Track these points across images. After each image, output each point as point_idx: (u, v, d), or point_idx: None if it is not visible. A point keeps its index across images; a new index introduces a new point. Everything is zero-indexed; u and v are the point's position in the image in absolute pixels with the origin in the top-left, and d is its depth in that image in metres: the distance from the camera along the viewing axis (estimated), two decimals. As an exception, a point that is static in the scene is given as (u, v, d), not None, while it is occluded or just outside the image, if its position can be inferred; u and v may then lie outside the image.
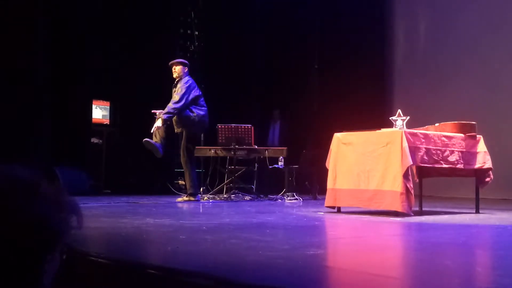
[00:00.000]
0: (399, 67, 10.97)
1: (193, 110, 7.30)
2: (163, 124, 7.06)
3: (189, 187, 7.38)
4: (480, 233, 4.52)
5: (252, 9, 11.16)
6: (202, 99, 7.44)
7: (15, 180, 0.97)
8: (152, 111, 7.17)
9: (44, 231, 0.95)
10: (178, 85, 7.27)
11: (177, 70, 7.38)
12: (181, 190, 8.68)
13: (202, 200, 7.50)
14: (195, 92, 7.31)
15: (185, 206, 6.88)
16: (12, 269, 0.92)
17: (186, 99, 7.18)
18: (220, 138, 8.33)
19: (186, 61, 7.60)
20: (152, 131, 7.14)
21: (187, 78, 7.35)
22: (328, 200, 5.92)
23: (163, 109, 7.16)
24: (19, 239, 0.92)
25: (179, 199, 7.41)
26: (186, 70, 7.40)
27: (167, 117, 7.09)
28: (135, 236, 3.81)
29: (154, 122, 7.17)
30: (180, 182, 9.36)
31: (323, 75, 11.11)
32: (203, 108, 7.42)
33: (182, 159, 7.36)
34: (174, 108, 7.13)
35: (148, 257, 2.88)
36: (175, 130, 7.48)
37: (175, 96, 7.18)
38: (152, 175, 9.32)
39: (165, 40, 9.98)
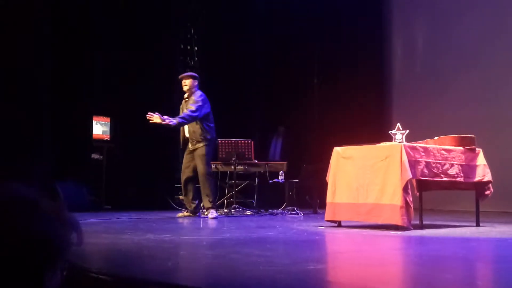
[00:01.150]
0: (398, 80, 11.00)
1: (210, 126, 7.26)
2: (169, 125, 6.89)
3: (209, 201, 7.22)
4: (480, 246, 4.51)
5: (252, 25, 11.22)
6: (211, 116, 7.41)
7: (15, 198, 0.98)
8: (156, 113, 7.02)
9: (44, 248, 0.96)
10: (192, 97, 7.19)
11: (187, 83, 7.31)
12: (182, 205, 8.67)
13: (203, 215, 7.48)
14: (207, 108, 7.27)
15: (185, 221, 6.87)
16: (13, 286, 0.93)
17: (202, 112, 7.15)
18: (220, 152, 8.34)
19: (196, 75, 7.56)
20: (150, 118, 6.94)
21: (200, 92, 7.29)
22: (328, 214, 5.92)
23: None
24: (20, 256, 0.93)
25: (210, 216, 7.11)
26: (197, 83, 7.35)
27: (181, 121, 6.98)
28: (135, 252, 3.80)
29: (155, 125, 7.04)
30: (180, 197, 9.35)
31: (322, 89, 11.14)
32: (212, 126, 7.38)
33: (203, 176, 7.14)
34: (190, 116, 7.03)
35: (148, 273, 2.87)
36: (190, 147, 7.25)
37: (191, 106, 7.09)
38: (152, 190, 9.32)
39: (165, 56, 10.02)
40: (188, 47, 10.52)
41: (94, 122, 9.25)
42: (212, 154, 7.53)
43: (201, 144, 7.22)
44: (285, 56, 11.03)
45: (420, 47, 10.73)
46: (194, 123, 7.17)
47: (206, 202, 7.19)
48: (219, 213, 8.03)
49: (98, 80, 9.29)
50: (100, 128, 9.39)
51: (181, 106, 7.46)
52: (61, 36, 8.61)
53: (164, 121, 6.89)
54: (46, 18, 8.35)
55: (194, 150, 7.23)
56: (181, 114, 7.15)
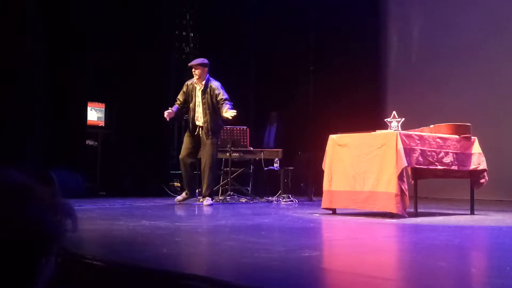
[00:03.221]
0: (394, 68, 10.99)
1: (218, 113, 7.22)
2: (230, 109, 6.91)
3: (207, 190, 7.19)
4: (475, 234, 4.54)
5: (247, 10, 11.16)
6: None
7: (8, 184, 0.97)
8: (184, 117, 7.01)
9: (38, 235, 0.95)
10: (213, 87, 7.08)
11: (197, 73, 7.15)
12: (177, 192, 8.66)
13: (198, 202, 7.48)
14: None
15: (181, 208, 6.87)
16: (7, 273, 0.92)
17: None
18: (215, 140, 8.33)
19: (206, 61, 7.31)
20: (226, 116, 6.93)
21: (216, 81, 7.20)
22: (324, 201, 5.93)
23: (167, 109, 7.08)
24: (14, 243, 0.92)
25: (205, 203, 7.07)
26: (207, 70, 7.21)
27: (231, 106, 6.97)
28: (130, 238, 3.80)
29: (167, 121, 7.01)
30: (176, 184, 9.35)
31: (318, 77, 11.12)
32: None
33: (209, 164, 7.09)
34: (231, 104, 7.00)
35: (143, 259, 2.87)
36: (201, 134, 7.16)
37: (221, 97, 7.01)
38: (148, 177, 9.31)
39: (160, 42, 9.97)
40: (184, 33, 10.46)
41: (89, 108, 9.21)
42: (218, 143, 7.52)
43: (215, 134, 7.17)
44: (281, 44, 10.98)
45: (416, 35, 10.70)
46: (214, 113, 7.10)
47: (204, 190, 7.16)
48: (214, 200, 8.04)
49: (93, 65, 9.23)
50: (95, 114, 9.35)
51: (184, 90, 7.31)
52: (54, 20, 8.55)
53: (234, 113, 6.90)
54: (40, 2, 8.29)
55: (205, 138, 7.14)
56: (222, 102, 7.02)
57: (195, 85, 7.24)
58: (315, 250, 3.38)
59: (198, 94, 7.20)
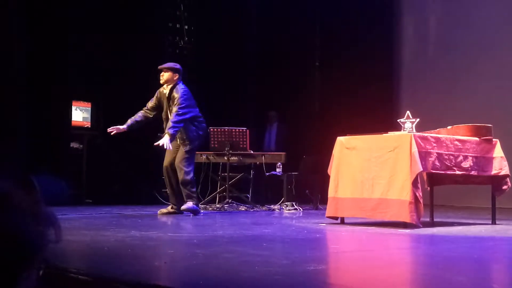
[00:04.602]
0: (408, 64, 10.99)
1: (195, 124, 7.14)
2: (171, 141, 6.79)
3: (185, 191, 7.14)
4: (496, 246, 4.53)
5: (247, 1, 11.17)
6: (197, 110, 7.29)
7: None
8: (155, 144, 6.95)
9: (19, 246, 0.95)
10: (174, 94, 6.99)
11: (165, 76, 7.08)
12: (169, 199, 8.66)
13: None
14: (193, 107, 7.12)
15: (173, 217, 6.87)
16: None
17: (187, 115, 7.00)
18: (212, 142, 8.33)
19: (179, 67, 7.22)
20: (159, 143, 6.88)
21: (182, 88, 7.06)
22: (329, 210, 5.93)
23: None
24: (-8, 254, 0.92)
25: (183, 207, 7.00)
26: (177, 77, 7.09)
27: (174, 131, 6.82)
28: (119, 250, 3.80)
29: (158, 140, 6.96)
30: (167, 190, 9.34)
31: (324, 73, 11.12)
32: (202, 122, 7.27)
33: (179, 177, 7.05)
34: (179, 121, 6.86)
35: (133, 273, 2.87)
36: (181, 146, 7.14)
37: (175, 109, 6.96)
38: (138, 183, 9.31)
39: (152, 35, 9.98)
40: (178, 26, 10.48)
41: (73, 108, 9.22)
42: (195, 152, 7.43)
43: (192, 143, 7.13)
44: (284, 36, 10.99)
45: (433, 27, 10.71)
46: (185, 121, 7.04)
47: (184, 196, 7.07)
48: (210, 209, 8.04)
49: (78, 61, 9.24)
50: (80, 114, 9.36)
51: (157, 96, 7.22)
52: (36, 14, 8.56)
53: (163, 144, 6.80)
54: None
55: (182, 146, 7.13)
56: (170, 118, 6.95)
57: (164, 91, 7.21)
58: (321, 264, 3.39)
59: (165, 101, 7.16)
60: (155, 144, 6.89)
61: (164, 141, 6.77)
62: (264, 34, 11.14)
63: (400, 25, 11.03)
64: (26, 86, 8.41)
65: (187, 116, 6.99)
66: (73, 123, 9.17)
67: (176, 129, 6.86)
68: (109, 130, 7.14)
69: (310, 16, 11.19)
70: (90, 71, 9.37)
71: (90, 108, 9.44)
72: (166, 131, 6.83)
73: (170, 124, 6.85)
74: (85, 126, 9.39)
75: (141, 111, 7.25)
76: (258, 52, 11.18)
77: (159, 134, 7.05)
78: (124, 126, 7.15)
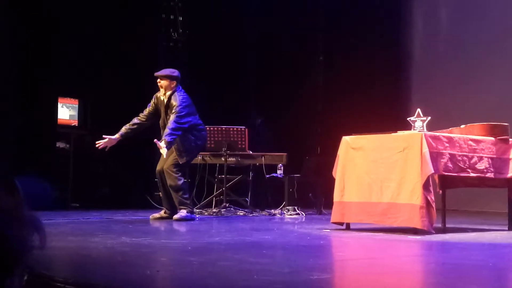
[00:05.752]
0: (418, 59, 10.99)
1: (194, 133, 7.13)
2: (168, 149, 6.75)
3: (177, 199, 7.17)
4: (513, 253, 4.54)
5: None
6: (197, 117, 7.28)
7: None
8: (154, 140, 6.97)
9: (1, 252, 0.95)
10: (173, 102, 7.00)
11: (163, 85, 7.10)
12: (161, 203, 8.67)
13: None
14: (193, 115, 7.12)
15: (167, 222, 6.87)
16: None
17: (189, 118, 7.00)
18: (208, 142, 8.33)
19: (176, 73, 7.22)
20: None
21: (181, 95, 7.09)
22: (335, 215, 5.93)
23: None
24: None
25: (175, 216, 7.00)
26: (174, 84, 7.11)
27: (171, 138, 6.80)
28: (108, 258, 3.80)
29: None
30: (160, 194, 9.34)
31: (329, 68, 11.13)
32: (202, 130, 7.28)
33: (170, 179, 7.06)
34: (177, 128, 6.86)
35: (123, 283, 2.87)
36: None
37: (173, 117, 6.90)
38: (128, 186, 9.31)
39: (144, 28, 9.98)
40: (171, 17, 10.47)
41: (59, 105, 9.21)
42: (190, 163, 7.45)
43: (189, 153, 7.13)
44: (285, 28, 10.99)
45: (444, 20, 10.71)
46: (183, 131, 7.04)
47: (176, 203, 7.07)
48: (206, 213, 8.04)
49: (65, 55, 9.24)
50: (66, 111, 9.36)
51: (153, 102, 7.21)
52: (23, 8, 8.57)
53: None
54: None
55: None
56: (168, 125, 6.95)
57: (161, 98, 7.21)
58: (325, 272, 3.39)
59: (162, 108, 7.17)
60: (155, 140, 6.86)
61: (162, 152, 6.76)
62: (264, 26, 11.13)
63: (410, 19, 11.03)
64: (9, 81, 8.40)
65: (186, 126, 6.99)
66: (59, 121, 9.17)
67: (174, 136, 6.85)
68: (97, 143, 7.06)
69: (313, 7, 11.19)
70: (78, 66, 9.36)
71: (77, 105, 9.44)
72: (163, 138, 6.83)
73: (167, 130, 6.84)
74: (72, 124, 9.38)
75: (137, 118, 7.24)
76: (258, 45, 11.17)
77: (155, 141, 7.03)
78: (117, 136, 7.12)
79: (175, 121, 6.90)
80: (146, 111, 7.25)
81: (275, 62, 10.97)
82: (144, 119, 7.24)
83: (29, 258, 1.01)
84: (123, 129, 7.17)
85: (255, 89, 11.16)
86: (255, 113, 10.50)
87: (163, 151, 6.75)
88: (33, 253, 1.02)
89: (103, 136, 7.08)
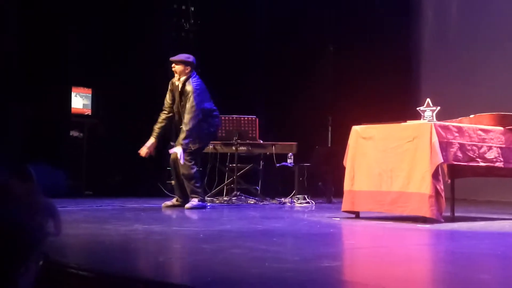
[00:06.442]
0: (428, 49, 10.93)
1: (208, 120, 7.11)
2: (185, 151, 6.78)
3: (189, 187, 7.17)
4: (522, 242, 4.52)
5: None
6: (212, 103, 7.26)
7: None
8: (169, 150, 6.97)
9: (16, 238, 0.95)
10: (187, 88, 6.93)
11: (177, 70, 7.04)
12: (174, 191, 8.69)
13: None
14: (206, 101, 7.10)
15: (179, 210, 6.89)
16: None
17: (202, 106, 6.97)
18: (219, 131, 8.33)
19: (191, 59, 7.13)
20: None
21: (195, 81, 7.01)
22: (345, 204, 5.92)
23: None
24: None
25: (187, 205, 6.99)
26: (189, 70, 7.04)
27: (187, 141, 6.82)
28: (121, 245, 3.81)
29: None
30: (173, 182, 9.36)
31: (339, 58, 11.08)
32: (215, 116, 7.27)
33: (182, 173, 7.04)
34: (193, 127, 6.83)
35: (136, 269, 2.88)
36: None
37: (188, 106, 6.86)
38: (141, 174, 9.33)
39: (155, 18, 9.97)
40: (183, 7, 10.45)
41: (73, 94, 9.24)
42: (203, 149, 7.46)
43: (202, 140, 7.13)
44: (295, 19, 10.94)
45: (454, 9, 10.64)
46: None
47: (188, 192, 7.07)
48: (218, 202, 8.05)
49: (78, 45, 9.24)
50: (80, 101, 9.38)
51: (170, 89, 7.19)
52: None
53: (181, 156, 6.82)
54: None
55: None
56: (183, 118, 6.91)
57: (176, 83, 7.16)
58: (335, 260, 3.38)
59: (177, 94, 7.14)
60: (169, 151, 6.89)
61: (178, 151, 6.77)
62: (275, 17, 11.09)
63: (419, 8, 10.97)
64: (23, 71, 8.42)
65: (200, 116, 6.96)
66: (73, 111, 9.19)
67: (190, 138, 6.84)
68: (141, 153, 7.14)
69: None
70: (91, 55, 9.37)
71: (90, 95, 9.45)
72: (179, 141, 6.82)
73: (183, 133, 6.83)
74: (86, 113, 9.41)
75: (163, 114, 7.24)
76: (268, 35, 11.14)
77: (171, 143, 7.02)
78: (153, 141, 7.13)
79: (190, 117, 6.86)
80: (166, 104, 7.22)
81: (286, 53, 10.93)
82: (168, 112, 7.23)
83: (44, 245, 1.01)
84: (156, 130, 7.17)
85: (265, 78, 11.13)
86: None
87: (181, 156, 6.76)
88: (48, 240, 1.02)
89: (143, 147, 7.10)
